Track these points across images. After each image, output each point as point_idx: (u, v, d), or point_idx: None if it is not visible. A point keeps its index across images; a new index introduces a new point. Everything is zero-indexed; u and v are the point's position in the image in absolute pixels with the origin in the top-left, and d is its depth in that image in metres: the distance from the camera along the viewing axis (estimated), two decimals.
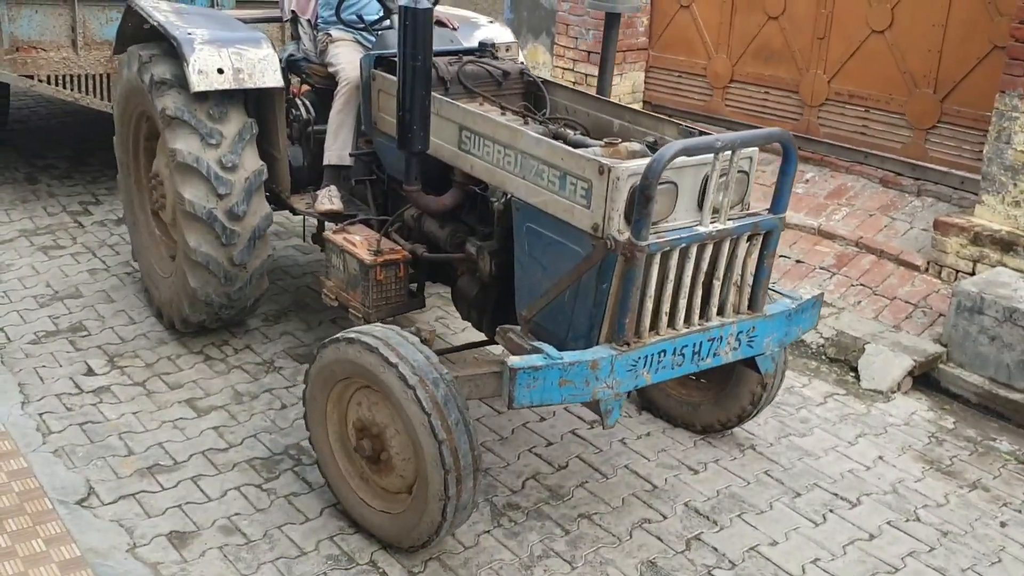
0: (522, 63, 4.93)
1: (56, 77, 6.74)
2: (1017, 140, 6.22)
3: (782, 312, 4.04)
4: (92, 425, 4.74)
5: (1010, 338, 5.47)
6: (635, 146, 3.98)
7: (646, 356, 3.71)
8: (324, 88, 5.38)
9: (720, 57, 8.33)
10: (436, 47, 4.80)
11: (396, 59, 4.57)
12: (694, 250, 3.72)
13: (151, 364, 5.37)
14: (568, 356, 3.60)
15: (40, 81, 6.69)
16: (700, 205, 3.76)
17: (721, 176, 3.69)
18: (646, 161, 3.58)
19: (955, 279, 6.29)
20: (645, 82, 9.01)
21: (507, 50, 5.26)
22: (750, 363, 4.14)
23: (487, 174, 4.16)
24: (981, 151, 6.63)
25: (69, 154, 8.82)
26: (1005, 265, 6.09)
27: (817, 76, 7.76)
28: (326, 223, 5.29)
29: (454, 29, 5.58)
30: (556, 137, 4.14)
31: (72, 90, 6.78)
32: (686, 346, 3.81)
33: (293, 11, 5.54)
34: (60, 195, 7.79)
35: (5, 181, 8.02)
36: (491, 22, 5.90)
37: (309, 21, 5.47)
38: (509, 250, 4.17)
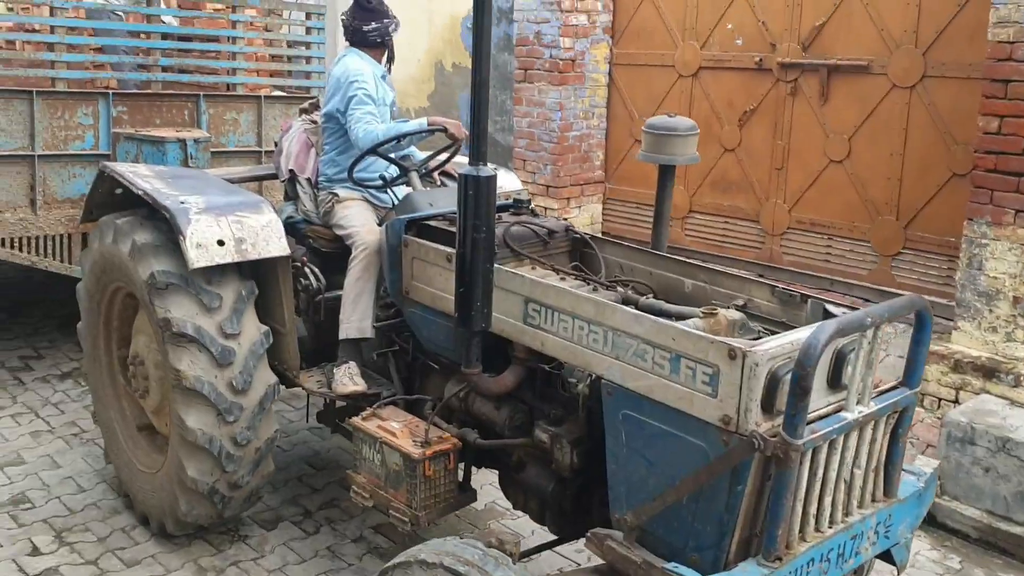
0: (566, 219, 4.01)
1: (12, 240, 5.52)
2: (989, 266, 5.64)
3: (913, 493, 3.16)
4: None
5: (1005, 469, 4.82)
6: (734, 315, 3.11)
7: (797, 569, 2.77)
8: (330, 252, 4.37)
9: (678, 188, 7.61)
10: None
11: (432, 223, 3.68)
12: (841, 440, 2.81)
13: (104, 538, 4.39)
14: None
15: None
16: (830, 384, 2.86)
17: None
18: (783, 342, 2.72)
19: (938, 407, 5.65)
20: (603, 213, 8.27)
21: (514, 196, 4.37)
22: (884, 555, 3.21)
23: (565, 352, 3.20)
24: (948, 276, 6.10)
25: (6, 305, 7.58)
26: (988, 392, 5.49)
27: (777, 205, 7.11)
28: (338, 401, 4.21)
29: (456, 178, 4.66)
30: (626, 302, 3.23)
31: (29, 253, 5.56)
32: (831, 549, 2.90)
33: (291, 170, 4.53)
34: None
35: None
36: (495, 169, 4.97)
37: (309, 180, 4.47)
38: (594, 439, 3.21)
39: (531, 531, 4.35)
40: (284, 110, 6.22)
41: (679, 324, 2.90)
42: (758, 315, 3.25)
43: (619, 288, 3.42)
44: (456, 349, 3.63)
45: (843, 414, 2.80)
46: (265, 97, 6.19)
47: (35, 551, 4.27)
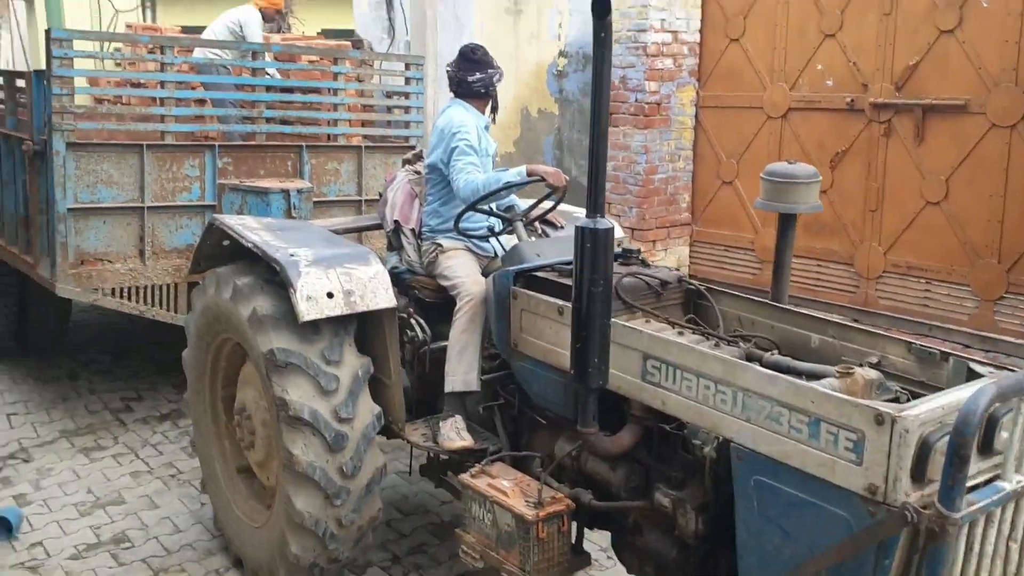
0: (677, 269, 3.79)
1: (121, 289, 5.48)
2: None
3: None
4: None
5: None
6: (872, 374, 2.85)
7: None
8: (434, 303, 4.21)
9: (767, 231, 7.33)
10: (567, 255, 3.72)
11: (541, 275, 3.49)
12: (998, 512, 2.52)
13: None
14: None
15: (104, 295, 5.42)
16: (980, 450, 2.57)
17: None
18: (934, 406, 2.47)
19: None
20: (690, 256, 8.00)
21: (618, 245, 4.16)
22: None
23: (689, 413, 2.98)
24: None
25: (111, 348, 7.60)
26: None
27: (872, 248, 6.78)
28: (442, 455, 4.01)
29: (560, 227, 4.46)
30: (749, 358, 2.99)
31: (137, 302, 5.50)
32: None
33: (396, 220, 4.39)
34: (101, 391, 6.63)
35: (47, 379, 6.81)
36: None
37: (413, 230, 4.33)
38: (720, 504, 2.96)
39: None
40: (384, 159, 6.12)
41: (816, 385, 2.65)
42: (894, 373, 2.99)
43: (741, 343, 3.18)
44: (568, 405, 3.42)
45: (1000, 484, 2.51)
46: (365, 147, 6.11)
47: None
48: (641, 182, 7.76)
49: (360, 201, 6.06)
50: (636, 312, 3.44)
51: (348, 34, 11.54)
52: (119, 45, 6.34)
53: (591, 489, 3.39)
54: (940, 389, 2.90)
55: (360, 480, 3.76)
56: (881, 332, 3.13)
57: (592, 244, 2.90)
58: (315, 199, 5.51)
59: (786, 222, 3.46)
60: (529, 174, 4.08)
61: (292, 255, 3.77)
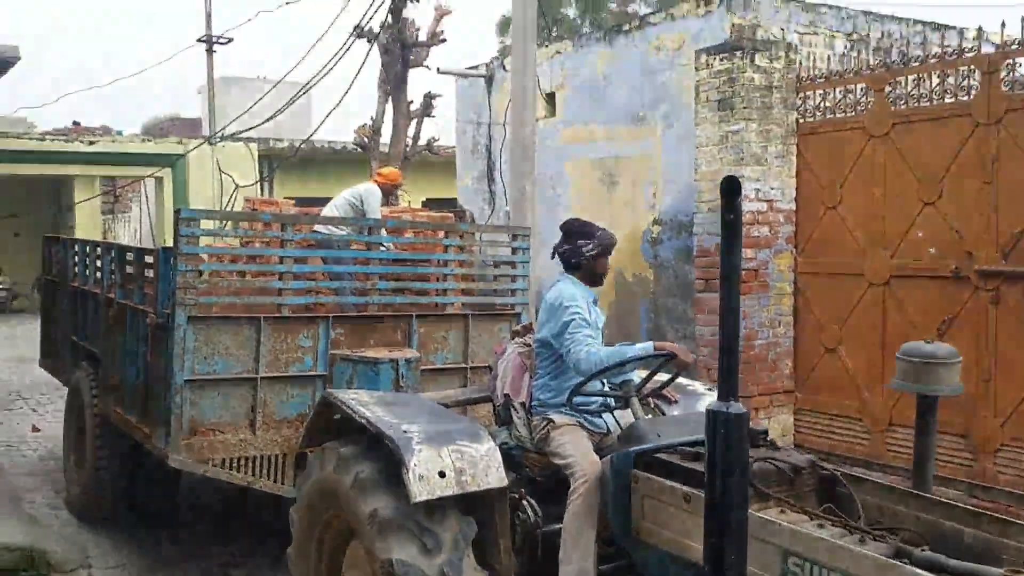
0: (809, 456, 3.50)
1: (230, 460, 5.37)
2: None
3: None
4: None
5: None
6: None
7: None
8: (544, 480, 3.98)
9: (876, 400, 6.94)
10: (691, 435, 3.47)
11: (664, 457, 3.25)
12: None
13: None
14: None
15: (215, 465, 5.32)
16: None
17: None
18: None
19: None
20: (794, 424, 7.60)
21: None
22: None
23: None
24: None
25: (211, 511, 7.36)
26: None
27: (988, 420, 6.32)
28: None
29: (674, 402, 4.23)
30: (898, 555, 2.67)
31: (246, 473, 5.37)
32: None
33: (507, 394, 4.23)
34: (202, 555, 6.24)
35: (149, 540, 6.52)
36: (709, 389, 4.53)
37: (523, 404, 4.14)
38: None
39: None
40: (489, 327, 6.03)
41: None
42: None
43: (888, 538, 2.86)
44: None
45: None
46: (472, 315, 6.05)
47: None
48: (741, 348, 7.49)
49: (465, 368, 5.94)
50: (769, 501, 3.15)
51: (451, 203, 11.82)
52: (243, 223, 6.47)
53: None
54: None
55: None
56: None
57: (726, 431, 2.67)
58: (422, 367, 5.40)
59: (926, 404, 3.18)
60: (656, 349, 3.89)
61: (405, 431, 3.62)
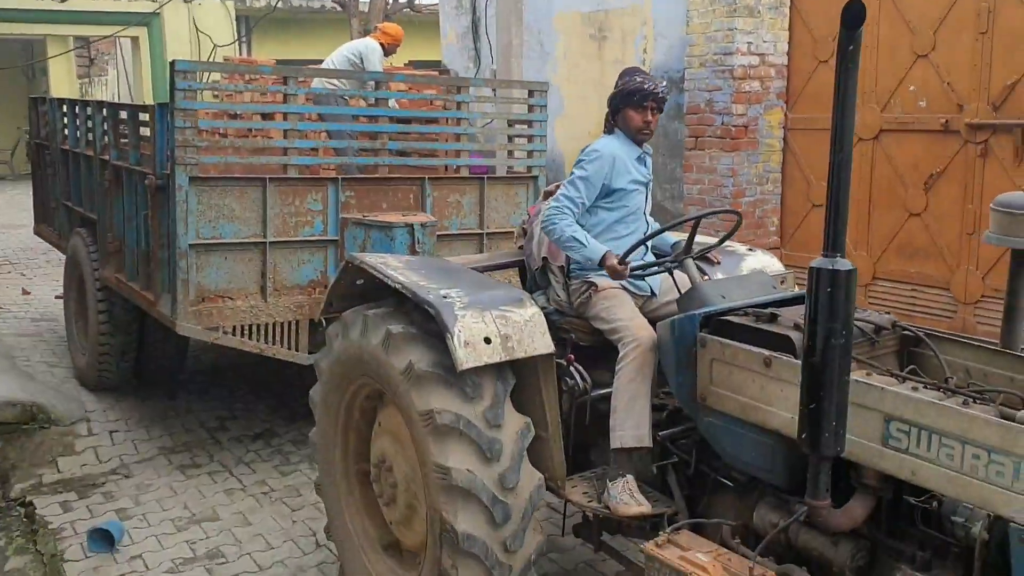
0: (889, 314, 3.07)
1: (241, 327, 4.84)
2: None
3: None
4: None
5: None
6: None
7: None
8: (588, 347, 3.53)
9: (860, 255, 6.58)
10: (757, 297, 3.03)
11: (733, 319, 2.80)
12: None
13: None
14: None
15: (225, 332, 4.79)
16: None
17: None
18: None
19: None
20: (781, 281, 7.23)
21: (782, 282, 3.46)
22: None
23: (949, 485, 2.30)
24: None
25: (205, 368, 7.07)
26: None
27: (970, 272, 6.00)
28: (593, 513, 3.32)
29: (717, 263, 3.76)
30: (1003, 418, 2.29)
31: (258, 340, 4.85)
32: None
33: (545, 257, 3.72)
34: (198, 410, 6.14)
35: (147, 397, 6.30)
36: (751, 250, 4.06)
37: (562, 267, 3.64)
38: None
39: None
40: (505, 191, 5.44)
41: None
42: None
43: (987, 399, 2.48)
44: (776, 469, 2.75)
45: None
46: (488, 178, 5.41)
47: None
48: (729, 205, 7.03)
49: (481, 235, 5.37)
50: (852, 364, 2.73)
51: (435, 65, 10.91)
52: (239, 76, 5.65)
53: (803, 565, 2.70)
54: None
55: (520, 495, 3.10)
56: None
57: (832, 288, 2.21)
58: (438, 233, 4.84)
59: (1021, 260, 2.74)
60: (601, 263, 3.40)
61: (445, 297, 3.12)
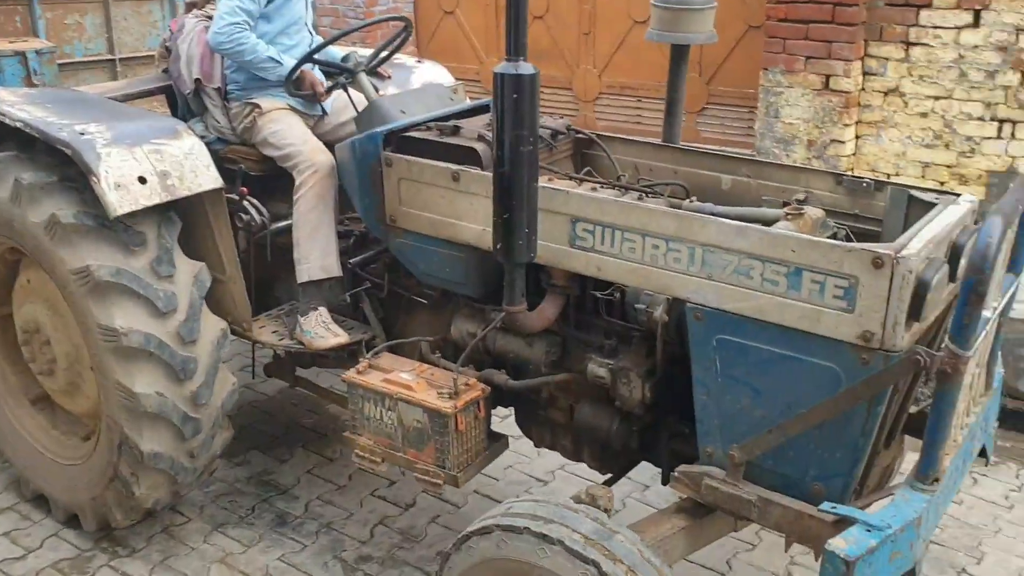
0: (564, 118, 3.14)
1: None
2: (784, 113, 5.33)
3: (999, 378, 2.71)
4: None
5: None
6: (817, 212, 2.46)
7: (947, 487, 2.27)
8: (260, 177, 3.29)
9: (492, 60, 6.81)
10: (437, 110, 3.00)
11: (415, 135, 2.76)
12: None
13: None
14: (887, 518, 2.07)
15: None
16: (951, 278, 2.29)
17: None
18: (924, 241, 2.10)
19: None
20: None
21: (455, 92, 3.48)
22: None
23: (632, 276, 2.42)
24: (749, 127, 5.72)
25: None
26: None
27: (588, 71, 6.45)
28: (286, 351, 3.22)
29: (388, 78, 3.64)
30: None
31: None
32: (963, 458, 2.41)
33: (198, 79, 3.32)
34: None
35: None
36: (420, 61, 3.95)
37: (218, 90, 3.29)
38: (666, 370, 2.51)
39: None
40: (136, 8, 4.67)
41: (806, 236, 2.22)
42: (824, 209, 2.62)
43: (658, 193, 2.67)
44: (470, 281, 2.75)
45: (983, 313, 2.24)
46: None
47: None
48: (362, 15, 6.87)
49: (114, 61, 4.63)
50: None
51: None
52: None
53: (501, 368, 2.82)
54: (878, 221, 2.60)
55: (212, 407, 2.87)
56: (802, 167, 2.76)
57: (517, 93, 2.19)
58: (59, 61, 4.13)
59: (679, 54, 2.91)
60: (298, 85, 3.13)
61: (83, 134, 2.70)
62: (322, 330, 2.99)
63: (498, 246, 2.30)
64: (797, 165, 2.82)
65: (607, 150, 2.90)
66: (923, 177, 5.17)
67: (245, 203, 3.08)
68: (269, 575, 3.10)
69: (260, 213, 3.09)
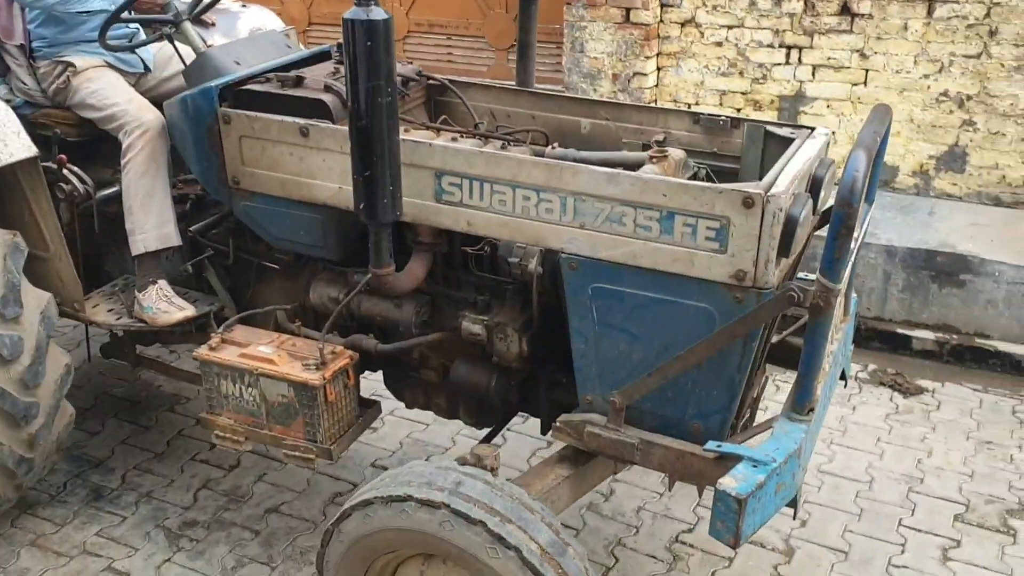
0: (411, 62, 3.01)
1: None
2: (589, 47, 5.43)
3: (855, 304, 2.86)
4: None
5: None
6: (679, 154, 2.48)
7: (820, 415, 2.40)
8: (79, 142, 2.99)
9: (294, 1, 6.55)
10: (274, 59, 2.83)
11: (255, 88, 2.59)
12: None
13: None
14: (770, 452, 2.15)
15: None
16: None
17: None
18: (789, 178, 2.16)
19: None
20: None
21: (288, 38, 3.30)
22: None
23: (503, 229, 2.35)
24: (558, 62, 5.73)
25: None
26: None
27: (395, 9, 6.29)
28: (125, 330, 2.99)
29: (213, 25, 3.38)
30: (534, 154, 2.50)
31: None
32: (829, 385, 2.54)
33: None
34: None
35: None
36: (245, 6, 3.67)
37: (21, 47, 2.94)
38: (542, 321, 2.50)
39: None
40: None
41: (677, 180, 2.23)
42: (683, 149, 2.65)
43: (520, 141, 2.61)
44: (328, 244, 2.60)
45: None
46: None
47: None
48: None
49: None
50: None
51: None
52: None
53: (368, 332, 2.72)
54: (735, 158, 2.65)
55: (46, 388, 2.59)
56: (659, 107, 2.76)
57: (371, 41, 2.05)
58: None
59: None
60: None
61: None
62: (165, 304, 2.77)
63: (360, 206, 2.17)
64: (654, 106, 2.83)
65: (462, 96, 2.80)
66: (720, 105, 5.35)
67: (65, 172, 2.76)
68: (87, 552, 2.89)
69: (83, 182, 2.79)
